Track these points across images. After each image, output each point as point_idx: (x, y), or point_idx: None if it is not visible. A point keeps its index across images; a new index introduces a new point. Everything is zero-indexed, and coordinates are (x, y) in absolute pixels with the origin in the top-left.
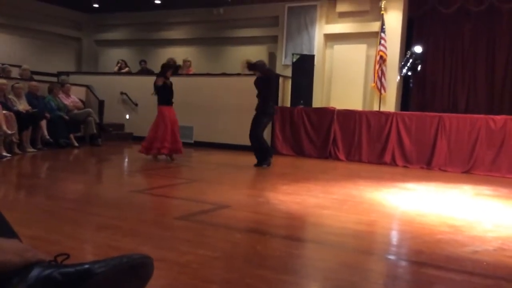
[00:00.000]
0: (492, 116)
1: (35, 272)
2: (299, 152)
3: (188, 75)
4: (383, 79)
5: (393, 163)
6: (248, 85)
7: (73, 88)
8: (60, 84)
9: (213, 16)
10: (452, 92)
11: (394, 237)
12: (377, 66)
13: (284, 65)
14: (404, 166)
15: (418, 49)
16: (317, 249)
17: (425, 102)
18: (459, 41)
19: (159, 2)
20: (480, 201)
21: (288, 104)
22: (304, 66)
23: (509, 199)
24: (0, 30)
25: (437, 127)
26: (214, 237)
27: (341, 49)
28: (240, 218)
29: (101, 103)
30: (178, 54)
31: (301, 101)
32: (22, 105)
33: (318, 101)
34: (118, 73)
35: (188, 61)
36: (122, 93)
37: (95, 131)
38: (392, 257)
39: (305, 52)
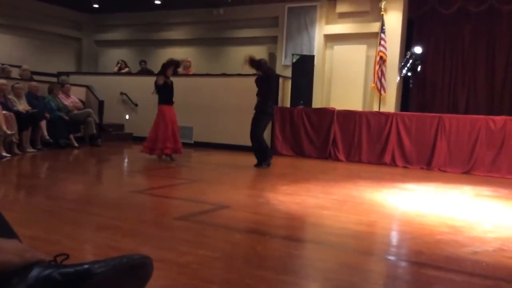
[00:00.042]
0: (492, 117)
1: (34, 272)
2: (299, 152)
3: (188, 75)
4: (383, 80)
5: (393, 163)
6: (248, 85)
7: (73, 88)
8: (60, 85)
9: (213, 16)
10: (452, 93)
11: (394, 237)
12: (377, 67)
13: (284, 66)
14: (404, 167)
15: (418, 49)
16: (317, 249)
17: (425, 103)
18: (459, 42)
19: (159, 2)
20: (480, 202)
21: (288, 105)
22: (304, 67)
23: (509, 200)
24: (0, 30)
25: (437, 127)
26: (214, 237)
27: (341, 50)
28: (240, 218)
29: (101, 104)
30: (178, 54)
31: (301, 102)
32: (22, 106)
33: (318, 102)
34: (118, 73)
35: (188, 61)
36: (122, 93)
37: (95, 131)
38: (392, 257)
39: (305, 53)
